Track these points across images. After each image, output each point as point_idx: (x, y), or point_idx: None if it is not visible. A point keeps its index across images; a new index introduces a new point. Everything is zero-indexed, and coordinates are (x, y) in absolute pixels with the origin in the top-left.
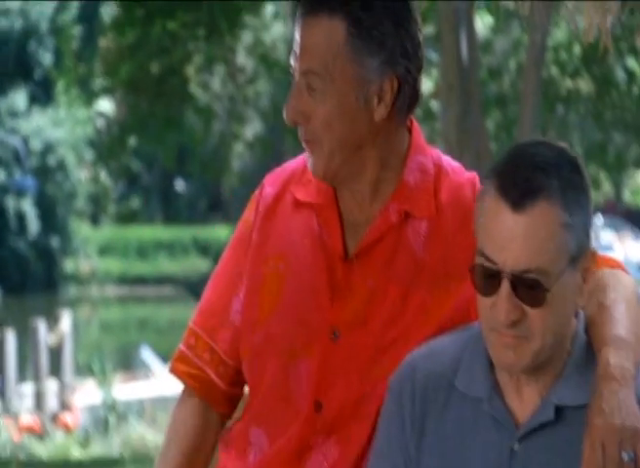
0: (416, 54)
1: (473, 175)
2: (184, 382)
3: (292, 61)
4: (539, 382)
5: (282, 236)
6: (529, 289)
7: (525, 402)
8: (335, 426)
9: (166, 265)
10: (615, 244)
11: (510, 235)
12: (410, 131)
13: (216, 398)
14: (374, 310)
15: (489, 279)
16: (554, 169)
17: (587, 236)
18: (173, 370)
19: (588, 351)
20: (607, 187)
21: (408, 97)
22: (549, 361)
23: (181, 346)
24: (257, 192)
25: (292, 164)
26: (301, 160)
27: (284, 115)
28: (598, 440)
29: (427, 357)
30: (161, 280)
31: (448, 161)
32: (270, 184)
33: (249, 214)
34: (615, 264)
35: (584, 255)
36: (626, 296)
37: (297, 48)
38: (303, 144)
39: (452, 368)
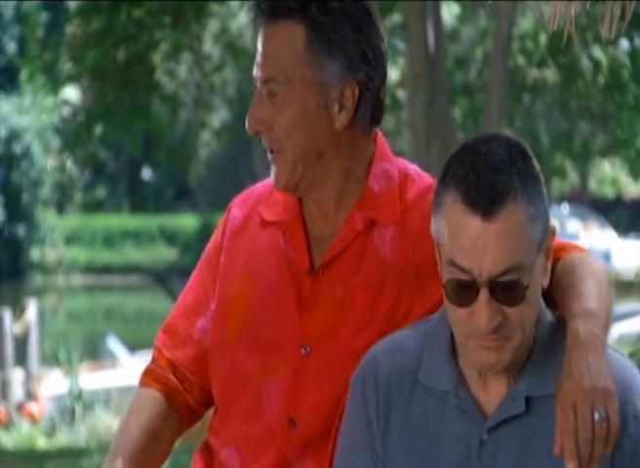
0: (377, 62)
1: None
2: (152, 387)
3: (254, 71)
4: (505, 374)
5: (249, 256)
6: (508, 290)
7: (491, 392)
8: (310, 440)
9: (133, 254)
10: (581, 233)
11: (484, 243)
12: (375, 141)
13: (179, 405)
14: (343, 319)
15: (464, 290)
16: (511, 165)
17: (549, 219)
18: (142, 383)
19: (553, 337)
20: (573, 176)
21: (371, 106)
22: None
23: (149, 364)
24: (225, 213)
25: (259, 187)
26: (268, 183)
27: (246, 125)
28: (569, 402)
29: (388, 352)
30: (128, 269)
31: (415, 169)
32: (238, 206)
33: (216, 236)
34: (582, 250)
35: (547, 236)
36: (594, 274)
37: (259, 57)
38: (268, 155)
39: (414, 362)
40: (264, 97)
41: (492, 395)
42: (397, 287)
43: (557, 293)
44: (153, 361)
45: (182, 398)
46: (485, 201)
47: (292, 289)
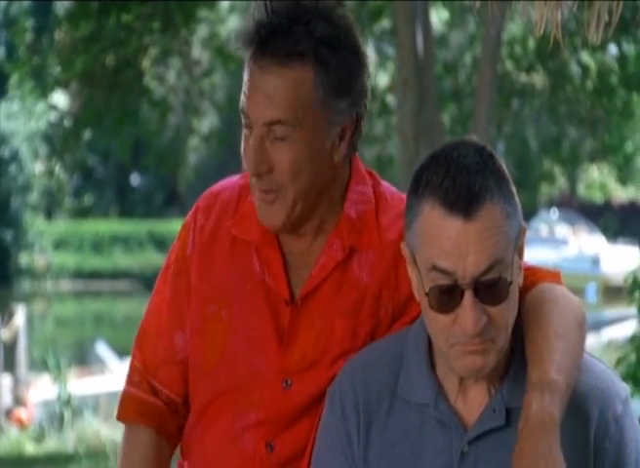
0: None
1: None
2: (139, 422)
3: (245, 108)
4: (485, 383)
5: (221, 278)
6: (491, 288)
7: (470, 403)
8: (287, 462)
9: (121, 260)
10: (569, 237)
11: (465, 243)
12: (350, 162)
13: (171, 431)
14: (324, 349)
15: (447, 296)
16: (484, 167)
17: (521, 217)
18: (122, 417)
19: None
20: (562, 181)
21: (360, 134)
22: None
23: (127, 386)
24: (190, 219)
25: (225, 192)
26: (234, 188)
27: (247, 167)
28: None
29: (366, 366)
30: (117, 274)
31: (387, 187)
32: (204, 215)
33: (182, 245)
34: (553, 276)
35: (520, 234)
36: (560, 329)
37: (258, 96)
38: (259, 195)
39: (392, 375)
40: (265, 138)
41: (472, 406)
42: (375, 311)
43: (525, 342)
44: (133, 384)
45: (173, 422)
46: (464, 202)
47: (270, 319)
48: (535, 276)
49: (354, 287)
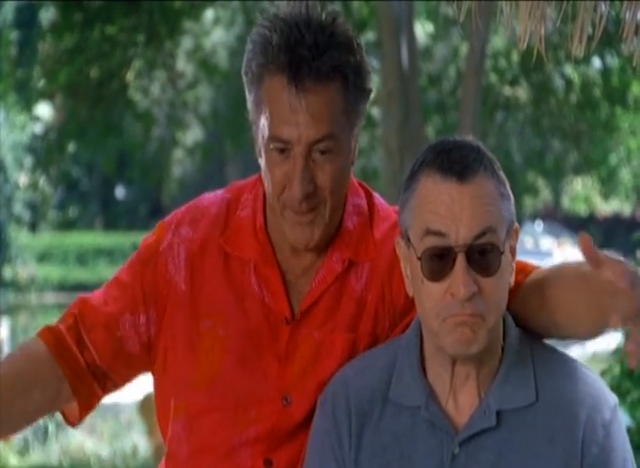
0: None
1: None
2: (47, 343)
3: (280, 132)
4: (474, 385)
5: (216, 294)
6: (484, 256)
7: (461, 406)
8: None
9: (106, 272)
10: (554, 250)
11: (459, 206)
12: None
13: (75, 378)
14: (323, 363)
15: (441, 260)
16: (478, 150)
17: (514, 211)
18: (40, 334)
19: (520, 351)
20: (546, 193)
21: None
22: (488, 354)
23: (58, 323)
24: (168, 221)
25: (212, 207)
26: (221, 203)
27: (296, 193)
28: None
29: (358, 371)
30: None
31: (379, 199)
32: (191, 227)
33: (158, 240)
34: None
35: (513, 229)
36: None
37: (298, 117)
38: (295, 217)
39: (384, 380)
40: (307, 157)
41: (462, 409)
42: (373, 328)
43: (544, 307)
44: (63, 322)
45: (85, 379)
46: (458, 167)
47: (269, 338)
48: (523, 273)
49: (352, 300)
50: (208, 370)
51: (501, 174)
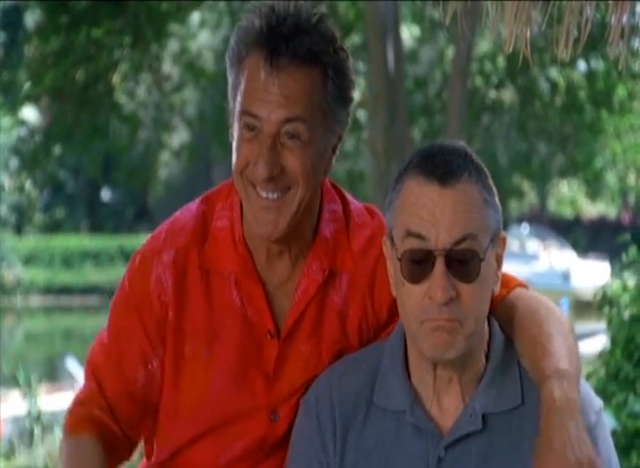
0: None
1: (379, 219)
2: (91, 432)
3: (251, 107)
4: (458, 389)
5: (198, 314)
6: (463, 263)
7: (445, 410)
8: None
9: (92, 274)
10: (540, 253)
11: (441, 210)
12: None
13: (120, 451)
14: (311, 377)
15: (421, 263)
16: (465, 155)
17: (501, 220)
18: (73, 428)
19: (505, 355)
20: (532, 196)
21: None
22: (471, 359)
23: (95, 410)
24: (149, 255)
25: (188, 223)
26: (196, 217)
27: (261, 172)
28: None
29: (342, 376)
30: (87, 289)
31: (352, 201)
32: (171, 251)
33: (145, 279)
34: (524, 286)
35: (499, 238)
36: (562, 330)
37: (271, 95)
38: (264, 202)
39: (368, 384)
40: (276, 139)
41: (447, 413)
42: (359, 339)
43: (521, 345)
44: (92, 403)
45: (124, 445)
46: (441, 171)
47: (254, 353)
48: (504, 278)
49: (334, 312)
50: (192, 395)
51: (489, 182)
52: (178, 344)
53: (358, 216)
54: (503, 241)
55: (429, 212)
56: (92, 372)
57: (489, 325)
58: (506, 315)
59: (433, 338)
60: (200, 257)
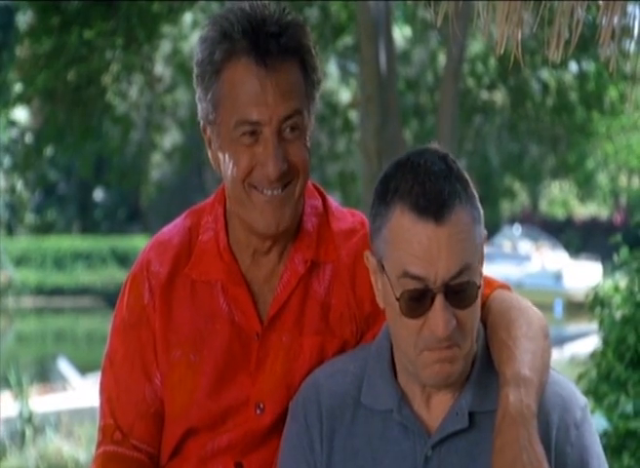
0: None
1: (361, 217)
2: None
3: (249, 115)
4: (446, 390)
5: (184, 324)
6: (461, 292)
7: (433, 409)
8: None
9: (84, 276)
10: (532, 254)
11: (437, 248)
12: None
13: None
14: (293, 367)
15: (419, 301)
16: (451, 173)
17: (483, 222)
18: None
19: (490, 358)
20: (524, 197)
21: None
22: None
23: (106, 446)
24: (138, 271)
25: (174, 237)
26: (183, 232)
27: (271, 172)
28: None
29: (330, 376)
30: (79, 291)
31: (330, 199)
32: (158, 262)
33: (139, 295)
34: (506, 287)
35: (483, 240)
36: (529, 334)
37: (267, 96)
38: (269, 198)
39: (355, 384)
40: (281, 134)
41: (434, 411)
42: (340, 331)
43: (492, 348)
44: (115, 442)
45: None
46: (435, 207)
47: (242, 354)
48: (486, 281)
49: (316, 302)
50: (181, 397)
51: (471, 190)
52: (164, 353)
53: (336, 211)
54: (485, 238)
55: (425, 250)
56: (109, 409)
57: None
58: (485, 317)
59: (435, 369)
60: (186, 269)
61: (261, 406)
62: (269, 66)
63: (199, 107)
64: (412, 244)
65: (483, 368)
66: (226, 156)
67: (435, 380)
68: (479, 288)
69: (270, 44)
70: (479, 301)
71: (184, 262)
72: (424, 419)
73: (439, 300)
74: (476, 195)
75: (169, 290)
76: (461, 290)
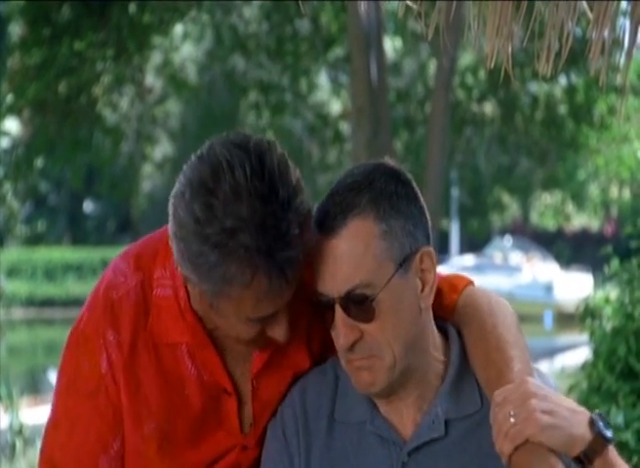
0: None
1: None
2: None
3: (270, 309)
4: (416, 397)
5: (153, 395)
6: (358, 305)
7: (405, 417)
8: None
9: (74, 287)
10: (523, 265)
11: (329, 260)
12: None
13: None
14: (274, 406)
15: (328, 311)
16: (365, 185)
17: (414, 238)
18: None
19: (463, 363)
20: (514, 208)
21: None
22: (417, 374)
23: None
24: (92, 334)
25: (125, 298)
26: (135, 288)
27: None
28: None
29: (304, 391)
30: (69, 302)
31: None
32: (114, 330)
33: (94, 364)
34: (469, 283)
35: (415, 257)
36: (514, 336)
37: (283, 292)
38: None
39: (329, 397)
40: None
41: (405, 420)
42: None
43: (472, 356)
44: None
45: None
46: (329, 218)
47: (215, 411)
48: (452, 282)
49: (301, 340)
50: (158, 462)
51: (390, 205)
52: (135, 428)
53: None
54: (427, 255)
55: (322, 264)
56: None
57: (444, 334)
58: (457, 324)
59: (356, 377)
60: (146, 332)
61: (247, 446)
62: (283, 277)
63: (182, 266)
64: (314, 261)
65: (456, 375)
66: (217, 314)
67: (359, 388)
68: (372, 301)
69: (287, 270)
70: (399, 316)
71: (143, 322)
72: (398, 428)
73: (338, 312)
74: (400, 210)
75: (132, 360)
76: (358, 302)
